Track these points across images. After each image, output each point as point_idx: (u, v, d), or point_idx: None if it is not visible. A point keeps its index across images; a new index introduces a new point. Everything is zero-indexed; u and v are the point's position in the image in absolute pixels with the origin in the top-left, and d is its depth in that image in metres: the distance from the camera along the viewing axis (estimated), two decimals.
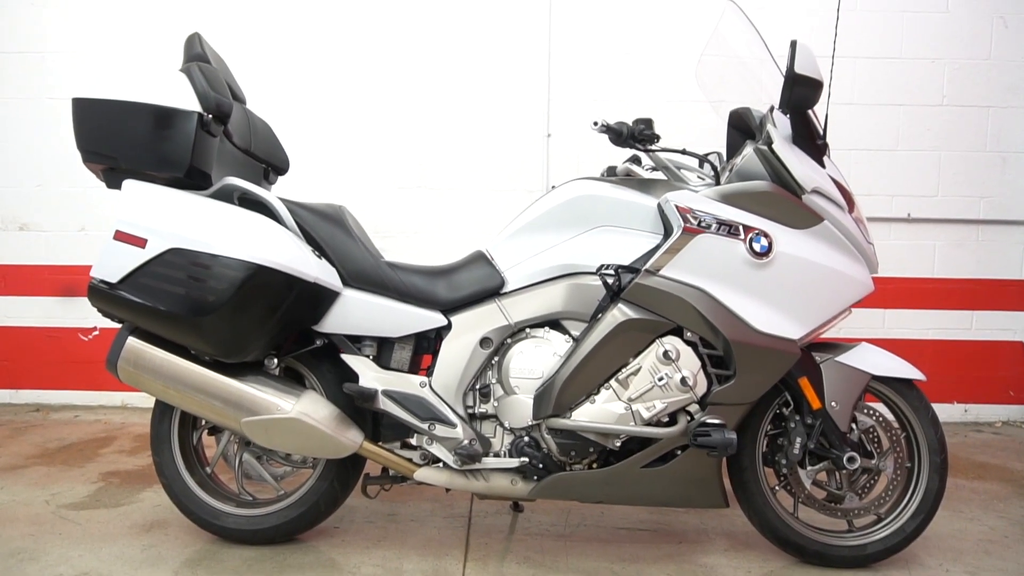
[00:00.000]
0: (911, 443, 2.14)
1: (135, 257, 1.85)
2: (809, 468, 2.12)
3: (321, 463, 2.17)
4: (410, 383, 2.08)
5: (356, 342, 2.12)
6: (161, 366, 1.99)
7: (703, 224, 1.97)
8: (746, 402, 1.98)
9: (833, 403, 2.05)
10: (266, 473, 2.23)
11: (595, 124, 1.97)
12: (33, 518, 2.37)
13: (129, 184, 1.93)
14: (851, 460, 2.07)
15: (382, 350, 2.14)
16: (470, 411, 2.11)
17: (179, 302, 1.84)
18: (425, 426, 2.06)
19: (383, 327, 2.09)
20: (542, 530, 2.36)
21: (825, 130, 2.07)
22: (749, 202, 2.01)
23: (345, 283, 2.08)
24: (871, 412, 2.14)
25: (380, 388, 2.07)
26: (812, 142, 2.05)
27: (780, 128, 2.06)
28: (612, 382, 1.99)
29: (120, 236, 1.86)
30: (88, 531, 2.28)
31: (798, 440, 2.09)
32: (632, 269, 1.99)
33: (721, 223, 1.97)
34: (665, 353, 1.96)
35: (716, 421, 1.96)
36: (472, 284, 2.11)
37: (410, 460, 2.09)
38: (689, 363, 1.96)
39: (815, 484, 2.17)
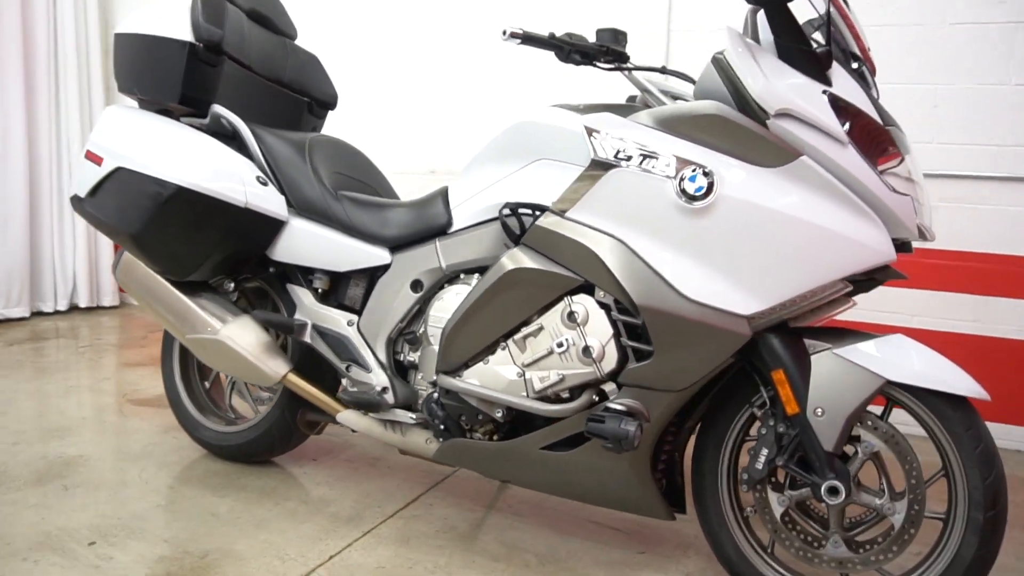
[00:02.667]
0: (950, 486, 1.49)
1: (95, 174, 1.99)
2: (787, 492, 1.59)
3: (278, 392, 2.18)
4: (338, 321, 1.97)
5: (309, 273, 2.07)
6: (142, 278, 2.13)
7: (621, 155, 1.54)
8: (673, 389, 1.52)
9: (818, 410, 1.49)
10: (248, 394, 2.32)
11: (504, 33, 1.63)
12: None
13: (107, 109, 2.08)
14: (832, 492, 1.50)
15: (338, 285, 2.06)
16: (398, 358, 1.94)
17: (121, 218, 1.94)
18: (343, 367, 1.94)
19: (328, 260, 2.00)
20: (511, 506, 2.11)
21: (830, 34, 1.47)
22: (691, 128, 1.52)
23: (293, 212, 2.03)
24: (886, 433, 1.52)
25: (310, 322, 2.01)
26: (801, 48, 1.47)
27: (765, 32, 1.52)
28: (509, 342, 1.67)
29: (87, 154, 2.02)
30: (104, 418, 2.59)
31: (764, 453, 1.58)
32: (538, 208, 1.64)
33: (647, 155, 1.52)
34: (570, 314, 1.59)
35: (618, 406, 1.55)
36: (420, 222, 1.92)
37: (339, 400, 1.99)
38: (598, 330, 1.56)
39: (803, 516, 1.63)
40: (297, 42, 2.42)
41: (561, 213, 1.59)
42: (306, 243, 2.01)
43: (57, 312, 4.20)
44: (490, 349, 1.69)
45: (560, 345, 1.59)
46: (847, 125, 1.45)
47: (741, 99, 1.48)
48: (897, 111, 2.85)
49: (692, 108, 1.52)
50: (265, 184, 2.01)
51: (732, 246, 1.46)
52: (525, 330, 1.64)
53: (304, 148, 2.08)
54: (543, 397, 1.64)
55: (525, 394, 1.65)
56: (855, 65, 1.60)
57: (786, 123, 1.44)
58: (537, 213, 1.65)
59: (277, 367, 2.00)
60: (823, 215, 1.42)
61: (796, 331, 1.56)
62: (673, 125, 1.53)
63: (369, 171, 2.26)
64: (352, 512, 2.01)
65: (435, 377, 1.79)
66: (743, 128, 1.47)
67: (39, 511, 1.92)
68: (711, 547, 1.68)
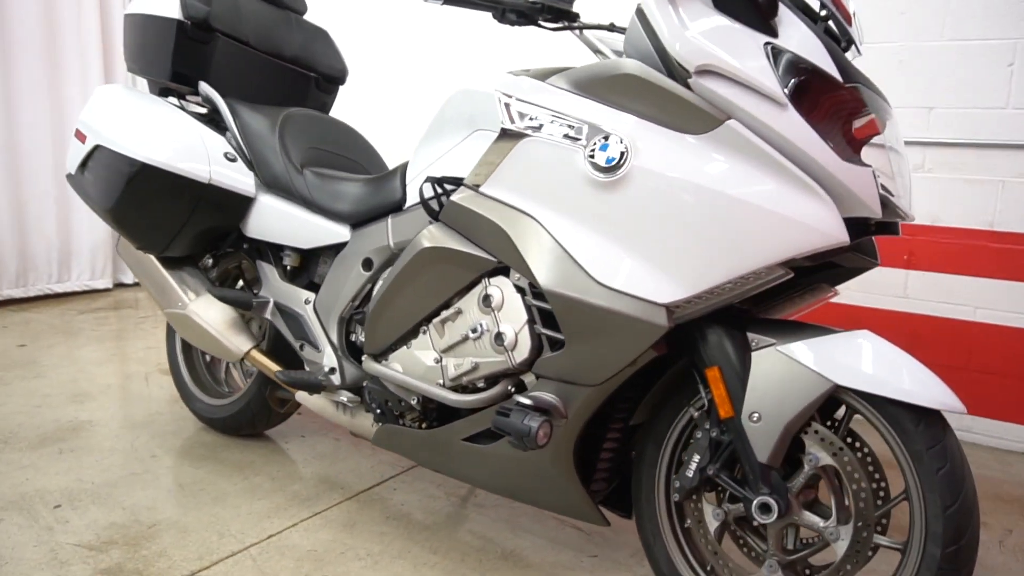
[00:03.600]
0: (910, 512, 1.25)
1: (79, 152, 2.05)
2: (724, 505, 1.41)
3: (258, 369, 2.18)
4: (297, 299, 1.94)
5: (280, 250, 2.05)
6: (135, 253, 2.20)
7: (532, 122, 1.39)
8: (589, 384, 1.37)
9: (754, 415, 1.30)
10: (240, 369, 2.35)
11: None
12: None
13: (98, 88, 2.14)
14: (764, 509, 1.30)
15: (308, 263, 2.03)
16: (351, 339, 1.88)
17: (99, 194, 1.99)
18: (297, 345, 1.91)
19: (292, 237, 1.97)
20: (480, 496, 2.02)
21: None
22: (608, 91, 1.34)
23: (262, 188, 2.02)
24: (833, 445, 1.30)
25: (272, 299, 1.99)
26: None
27: None
28: (430, 326, 1.57)
29: (76, 132, 2.09)
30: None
31: (695, 460, 1.40)
32: (455, 182, 1.52)
33: (558, 122, 1.37)
34: (485, 298, 1.47)
35: (526, 400, 1.41)
36: (376, 198, 1.84)
37: (278, 378, 1.96)
38: (512, 316, 1.43)
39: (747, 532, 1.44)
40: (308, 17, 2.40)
41: (475, 188, 1.47)
42: (272, 219, 1.99)
43: (137, 284, 4.48)
44: (413, 333, 1.60)
45: (475, 331, 1.47)
46: (793, 83, 1.23)
47: (663, 55, 1.30)
48: (962, 72, 2.47)
49: (608, 67, 1.35)
50: (233, 160, 2.00)
51: (647, 225, 1.29)
52: (444, 314, 1.54)
53: (276, 123, 2.05)
54: (458, 386, 1.53)
55: (441, 382, 1.54)
56: (823, 13, 1.37)
57: (710, 82, 1.25)
58: (442, 185, 1.54)
59: (240, 343, 2.00)
60: (753, 189, 1.22)
61: (741, 323, 1.37)
62: (589, 87, 1.36)
63: (355, 147, 2.21)
64: (313, 491, 1.99)
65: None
66: (662, 89, 1.29)
67: (27, 472, 2.03)
68: (648, 560, 1.52)
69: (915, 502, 1.23)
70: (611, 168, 1.30)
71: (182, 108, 2.11)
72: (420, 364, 1.58)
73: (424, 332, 1.58)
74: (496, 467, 1.54)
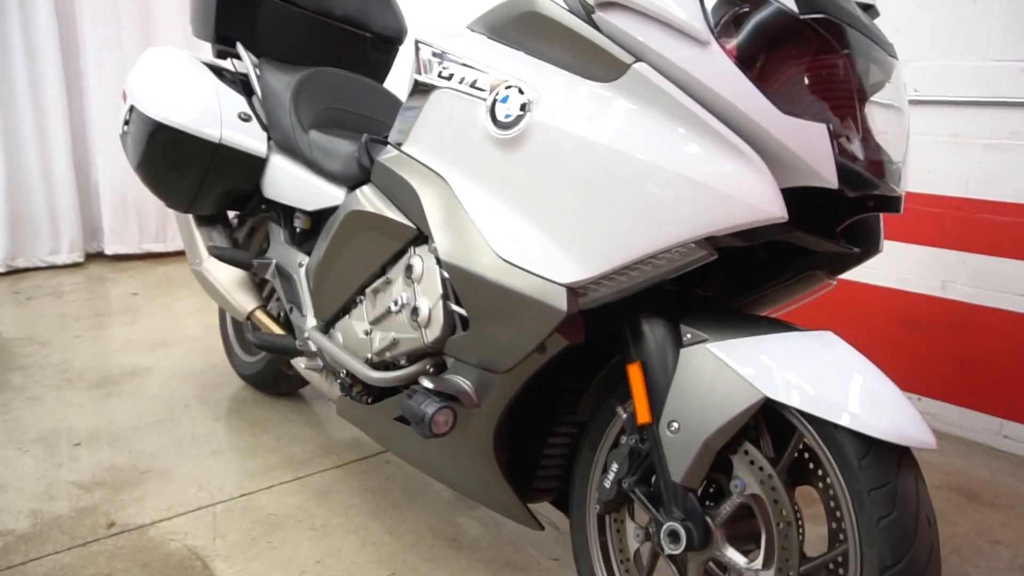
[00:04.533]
0: (847, 567, 0.98)
1: (123, 112, 2.16)
2: (651, 526, 1.20)
3: None
4: (293, 261, 1.91)
5: (294, 212, 2.03)
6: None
7: (444, 73, 1.23)
8: (495, 370, 1.21)
9: (673, 424, 1.09)
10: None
11: None
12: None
13: (147, 50, 2.23)
14: (672, 538, 1.09)
15: (317, 225, 2.00)
16: None
17: (130, 153, 2.08)
18: (288, 308, 1.89)
19: (296, 198, 1.94)
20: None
21: None
22: (514, 32, 1.15)
23: (273, 149, 2.00)
24: (763, 472, 1.05)
25: (274, 260, 1.98)
26: None
27: None
28: (365, 295, 1.46)
29: (122, 93, 2.19)
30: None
31: (614, 469, 1.20)
32: (383, 142, 1.39)
33: (467, 70, 1.19)
34: (408, 268, 1.34)
35: (429, 384, 1.27)
36: (365, 158, 1.77)
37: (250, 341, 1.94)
38: (429, 289, 1.30)
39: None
40: None
41: (398, 146, 1.34)
42: (281, 180, 1.98)
43: None
44: (352, 302, 1.51)
45: (396, 303, 1.36)
46: (724, 15, 0.99)
47: None
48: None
49: (515, 4, 1.16)
50: (247, 120, 2.00)
51: (547, 191, 1.10)
52: (376, 283, 1.44)
53: (293, 82, 2.03)
54: (382, 361, 1.42)
55: (369, 356, 1.44)
56: None
57: (616, 16, 1.03)
58: (373, 144, 1.43)
59: (246, 303, 2.02)
60: (662, 149, 1.00)
61: (675, 313, 1.14)
62: (500, 30, 1.19)
63: (382, 107, 2.14)
64: (308, 456, 1.98)
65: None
66: (566, 28, 1.09)
67: (70, 410, 2.20)
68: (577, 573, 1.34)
69: (852, 557, 0.96)
70: (510, 123, 1.12)
71: (220, 71, 2.14)
72: (353, 335, 1.49)
73: (360, 302, 1.48)
74: (427, 452, 1.43)
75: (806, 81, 1.00)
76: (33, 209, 3.73)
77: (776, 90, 0.97)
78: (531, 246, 1.11)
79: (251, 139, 1.98)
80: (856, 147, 1.01)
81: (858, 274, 2.40)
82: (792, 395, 0.98)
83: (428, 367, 1.35)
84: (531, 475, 1.40)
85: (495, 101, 1.14)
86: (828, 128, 0.96)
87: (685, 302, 1.21)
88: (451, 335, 1.27)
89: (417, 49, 1.29)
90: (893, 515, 0.93)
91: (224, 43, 2.14)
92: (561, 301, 1.08)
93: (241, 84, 2.11)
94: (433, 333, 1.28)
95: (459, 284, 1.19)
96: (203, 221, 2.20)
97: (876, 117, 1.06)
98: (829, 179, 0.97)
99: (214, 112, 1.97)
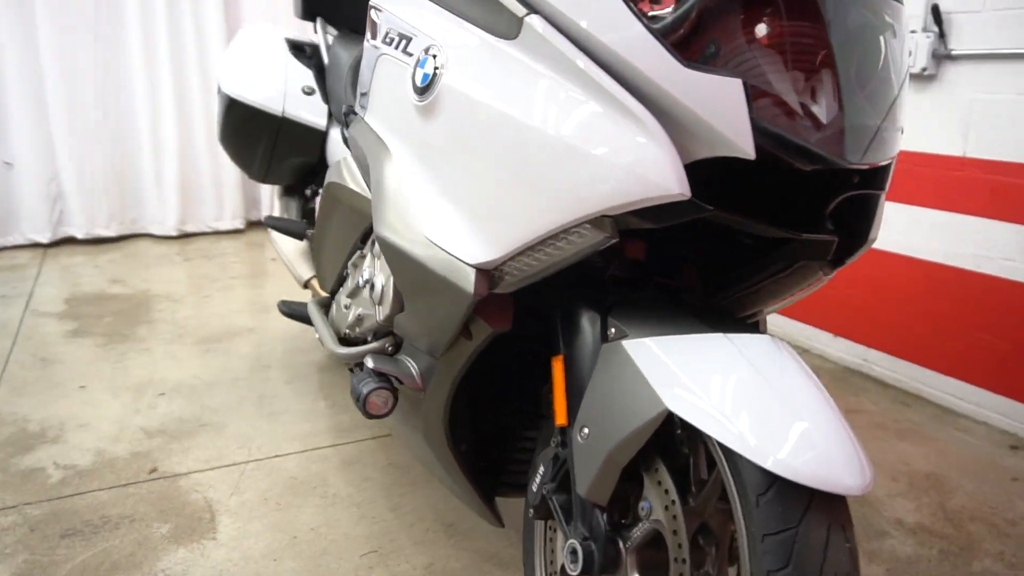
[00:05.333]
0: None
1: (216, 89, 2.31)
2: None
3: None
4: None
5: None
6: None
7: (389, 36, 1.15)
8: (430, 353, 1.14)
9: (584, 430, 0.97)
10: None
11: None
12: None
13: (240, 29, 2.35)
14: (572, 556, 0.97)
15: None
16: None
17: (217, 126, 2.23)
18: None
19: None
20: None
21: None
22: None
23: (333, 122, 2.04)
24: (667, 496, 0.89)
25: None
26: None
27: None
28: (349, 268, 1.44)
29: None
30: None
31: (540, 472, 1.09)
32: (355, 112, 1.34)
33: (405, 34, 1.11)
34: (373, 243, 1.30)
35: (371, 363, 1.21)
36: None
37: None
38: (384, 265, 1.24)
39: None
40: None
41: (361, 117, 1.29)
42: (335, 151, 2.02)
43: None
44: (343, 275, 1.50)
45: (363, 278, 1.32)
46: None
47: None
48: None
49: None
50: (310, 94, 2.06)
51: (456, 160, 1.01)
52: (355, 256, 1.41)
53: (356, 53, 2.05)
54: (353, 337, 1.39)
55: (345, 331, 1.42)
56: None
57: None
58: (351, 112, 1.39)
59: (303, 272, 2.09)
60: (553, 115, 0.87)
61: (605, 304, 1.01)
62: None
63: None
64: (352, 425, 2.02)
65: None
66: None
67: (169, 363, 2.41)
68: None
69: None
70: (424, 89, 1.03)
71: (303, 47, 2.22)
72: (340, 309, 1.48)
73: (347, 274, 1.47)
74: (404, 434, 1.39)
75: (736, 29, 0.82)
76: (201, 179, 4.14)
77: (689, 42, 0.80)
78: (448, 222, 1.03)
79: (311, 112, 2.04)
80: (815, 109, 0.81)
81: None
82: (692, 408, 0.82)
83: (388, 346, 1.31)
84: (501, 469, 1.32)
85: (416, 65, 1.06)
86: (743, 84, 0.78)
87: (648, 294, 1.06)
88: (400, 313, 1.21)
89: (369, 12, 1.23)
90: (786, 570, 0.75)
91: (311, 19, 2.21)
92: (470, 283, 0.99)
93: (317, 59, 2.17)
94: (384, 311, 1.24)
95: (390, 260, 1.14)
96: (284, 192, 2.30)
97: (852, 73, 0.85)
98: (743, 147, 0.79)
99: (279, 86, 2.05)
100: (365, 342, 1.38)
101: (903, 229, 2.29)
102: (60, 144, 3.76)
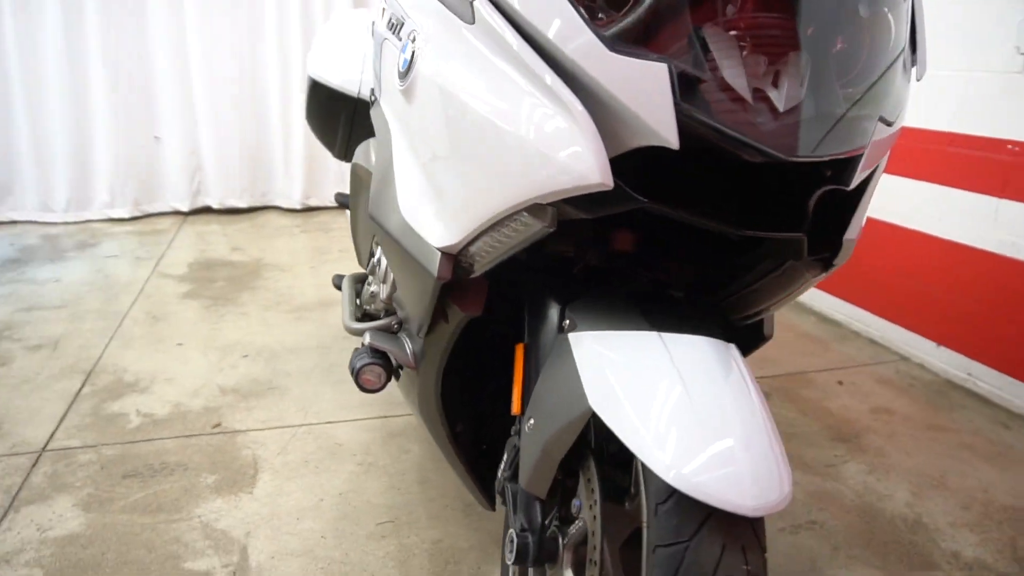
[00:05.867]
0: None
1: None
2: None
3: None
4: None
5: None
6: None
7: (392, 23, 1.16)
8: (416, 331, 1.17)
9: (531, 420, 0.96)
10: None
11: None
12: None
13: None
14: (509, 545, 0.96)
15: None
16: None
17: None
18: None
19: None
20: None
21: None
22: None
23: None
24: (592, 498, 0.86)
25: None
26: None
27: None
28: (374, 245, 1.47)
29: None
30: None
31: (504, 458, 1.09)
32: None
33: (398, 19, 1.12)
34: None
35: (367, 340, 1.24)
36: None
37: None
38: None
39: None
40: None
41: (378, 98, 1.32)
42: None
43: None
44: (372, 252, 1.54)
45: (376, 256, 1.36)
46: None
47: None
48: None
49: None
50: None
51: (428, 143, 1.02)
52: (379, 233, 1.44)
53: None
54: (369, 311, 1.43)
55: (365, 306, 1.47)
56: None
57: None
58: None
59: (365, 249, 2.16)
60: (496, 100, 0.86)
61: (566, 294, 0.99)
62: None
63: None
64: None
65: None
66: None
67: (261, 328, 2.59)
68: None
69: None
70: (406, 72, 1.04)
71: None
72: (365, 284, 1.52)
73: (373, 251, 1.51)
74: (412, 411, 1.42)
75: (673, 10, 0.76)
76: (326, 155, 4.36)
77: (624, 25, 0.76)
78: (421, 205, 1.04)
79: None
80: (760, 96, 0.75)
81: None
82: (611, 412, 0.79)
83: (394, 324, 1.33)
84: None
85: (401, 49, 1.07)
86: (669, 70, 0.73)
87: (615, 288, 1.03)
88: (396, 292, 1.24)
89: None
90: None
91: None
92: (434, 265, 0.99)
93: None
94: (386, 288, 1.27)
95: (379, 240, 1.16)
96: None
97: (812, 56, 0.77)
98: (667, 136, 0.74)
99: (356, 67, 2.12)
100: (380, 318, 1.42)
101: (1021, 231, 2.04)
102: (201, 119, 4.09)
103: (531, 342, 1.00)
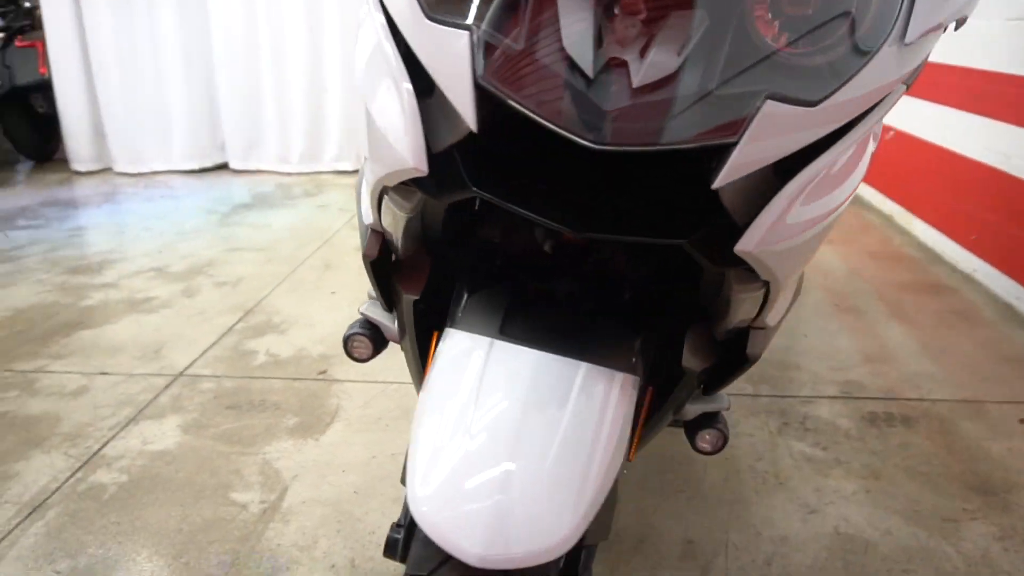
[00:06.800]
0: None
1: None
2: None
3: None
4: None
5: None
6: None
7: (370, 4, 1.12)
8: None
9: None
10: None
11: None
12: None
13: None
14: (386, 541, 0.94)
15: None
16: None
17: None
18: None
19: None
20: None
21: None
22: None
23: None
24: None
25: None
26: None
27: None
28: None
29: None
30: None
31: None
32: None
33: None
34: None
35: (362, 309, 1.25)
36: None
37: None
38: None
39: None
40: None
41: None
42: None
43: None
44: None
45: None
46: None
47: None
48: None
49: None
50: None
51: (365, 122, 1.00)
52: None
53: None
54: None
55: None
56: None
57: None
58: None
59: None
60: (364, 78, 0.83)
61: (479, 286, 0.95)
62: None
63: None
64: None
65: None
66: None
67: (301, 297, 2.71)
68: None
69: None
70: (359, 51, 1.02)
71: None
72: None
73: None
74: None
75: None
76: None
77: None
78: (368, 182, 1.02)
79: None
80: (583, 69, 0.63)
81: None
82: (418, 416, 0.74)
83: None
84: None
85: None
86: (470, 37, 0.64)
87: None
88: None
89: None
90: None
91: None
92: (365, 241, 0.99)
93: None
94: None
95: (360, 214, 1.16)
96: None
97: (666, 24, 0.63)
98: (465, 114, 0.65)
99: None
100: None
101: None
102: None
103: (443, 332, 0.95)
